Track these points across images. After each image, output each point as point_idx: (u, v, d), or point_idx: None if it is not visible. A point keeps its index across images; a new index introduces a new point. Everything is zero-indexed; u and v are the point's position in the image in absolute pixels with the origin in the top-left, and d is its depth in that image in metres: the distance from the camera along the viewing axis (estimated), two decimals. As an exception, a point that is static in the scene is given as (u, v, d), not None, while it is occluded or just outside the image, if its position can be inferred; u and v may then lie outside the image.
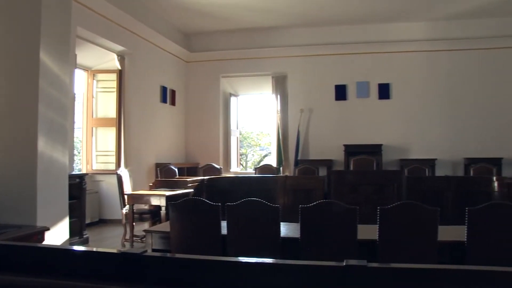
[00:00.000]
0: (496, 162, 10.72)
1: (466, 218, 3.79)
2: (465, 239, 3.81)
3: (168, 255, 2.56)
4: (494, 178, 7.97)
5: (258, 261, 2.09)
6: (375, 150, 11.51)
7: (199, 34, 12.84)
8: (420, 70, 12.09)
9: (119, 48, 9.95)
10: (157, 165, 10.65)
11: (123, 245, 7.41)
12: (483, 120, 11.77)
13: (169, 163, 10.40)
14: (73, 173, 7.96)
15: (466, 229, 3.80)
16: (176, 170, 9.95)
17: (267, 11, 11.04)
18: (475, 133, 11.73)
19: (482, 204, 3.85)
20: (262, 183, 8.71)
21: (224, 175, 10.75)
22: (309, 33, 12.36)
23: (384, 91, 12.15)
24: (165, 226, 4.63)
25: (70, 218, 5.06)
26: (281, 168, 12.09)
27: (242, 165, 17.25)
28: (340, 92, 12.31)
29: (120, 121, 10.11)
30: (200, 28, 12.37)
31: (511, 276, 1.96)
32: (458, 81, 11.94)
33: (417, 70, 12.10)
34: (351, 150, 11.51)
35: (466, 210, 3.82)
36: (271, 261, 2.13)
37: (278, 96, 12.77)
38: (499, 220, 3.78)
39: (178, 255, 2.35)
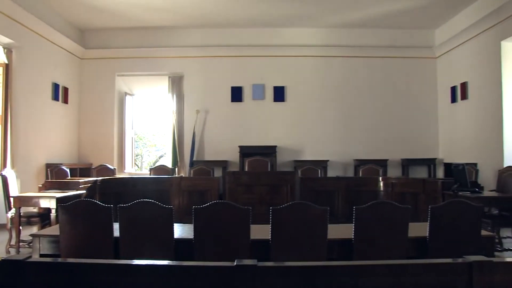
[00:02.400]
0: (382, 163, 11.39)
1: (354, 216, 3.99)
2: (352, 236, 4.00)
3: (59, 260, 2.47)
4: (380, 178, 8.46)
5: (151, 263, 2.09)
6: (269, 151, 11.77)
7: (95, 31, 12.44)
8: (314, 74, 12.55)
9: (6, 40, 9.37)
10: (48, 166, 10.18)
11: (8, 252, 7.00)
12: (372, 124, 12.51)
13: (61, 164, 9.99)
14: (-49, 174, 7.42)
15: (353, 226, 4.00)
16: (68, 171, 9.57)
17: (164, 11, 10.93)
18: (364, 136, 12.44)
19: (369, 202, 4.08)
20: (157, 184, 8.64)
21: (118, 176, 10.51)
22: (206, 34, 12.39)
23: (279, 94, 12.46)
24: (54, 230, 4.44)
25: None
26: (176, 169, 12.02)
27: (138, 166, 16.95)
28: (236, 94, 12.46)
29: (6, 119, 9.55)
30: (96, 24, 11.99)
31: (393, 268, 2.11)
32: (350, 87, 12.58)
33: (311, 75, 12.55)
34: (246, 151, 11.67)
35: (354, 209, 4.02)
36: (163, 263, 2.13)
37: (174, 96, 12.67)
38: (383, 217, 4.03)
39: (67, 260, 2.29)
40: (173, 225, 4.02)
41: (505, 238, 7.20)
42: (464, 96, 11.27)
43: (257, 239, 3.98)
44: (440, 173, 12.32)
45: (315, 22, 12.01)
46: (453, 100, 11.82)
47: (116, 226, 4.08)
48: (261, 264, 1.99)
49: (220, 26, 12.17)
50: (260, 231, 4.08)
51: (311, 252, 3.92)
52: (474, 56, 10.83)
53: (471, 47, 10.99)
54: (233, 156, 12.08)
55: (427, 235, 4.11)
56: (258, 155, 10.31)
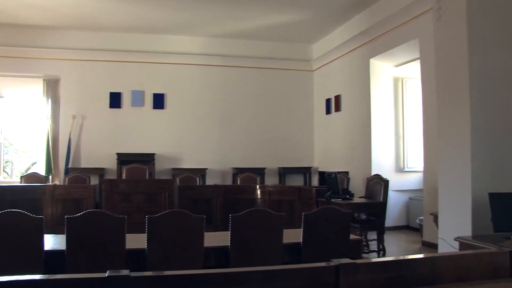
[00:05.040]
0: (260, 172, 11.67)
1: (230, 224, 4.05)
2: (229, 244, 4.05)
3: None
4: (258, 186, 8.66)
5: (16, 279, 1.99)
6: (148, 159, 11.65)
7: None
8: (194, 82, 12.60)
9: None
10: None
11: None
12: (250, 133, 12.80)
13: None
14: None
15: (229, 234, 4.06)
16: None
17: (41, 8, 10.27)
18: (242, 144, 12.68)
19: (247, 209, 4.17)
20: (28, 192, 8.21)
21: (-16, 184, 9.81)
22: (85, 37, 11.94)
23: (158, 101, 12.35)
24: None
25: None
26: (50, 177, 11.44)
27: (7, 173, 15.92)
28: (115, 100, 12.16)
29: None
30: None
31: (266, 274, 2.17)
32: (230, 96, 12.78)
33: (192, 83, 12.58)
34: (124, 159, 11.44)
35: (230, 217, 4.08)
36: (31, 278, 2.04)
37: (49, 100, 12.09)
38: (258, 224, 4.13)
39: None
40: (43, 237, 3.83)
41: (371, 240, 7.68)
42: (337, 108, 11.89)
43: (133, 249, 3.91)
44: (315, 181, 12.87)
45: (197, 31, 12.06)
46: (328, 111, 12.44)
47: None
48: (134, 274, 1.96)
49: (100, 29, 11.80)
50: (137, 240, 4.01)
51: (187, 260, 3.92)
52: (347, 71, 11.50)
53: (344, 63, 11.66)
54: (110, 163, 11.76)
55: (301, 240, 4.27)
56: (136, 163, 10.13)
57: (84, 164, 11.87)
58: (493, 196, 4.51)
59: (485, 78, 5.08)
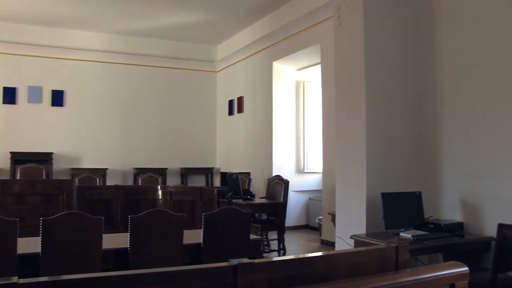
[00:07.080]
0: (162, 172, 11.61)
1: (129, 226, 3.99)
2: (128, 246, 3.99)
3: None
4: (159, 187, 8.58)
5: None
6: (45, 158, 11.21)
7: None
8: (95, 80, 12.24)
9: None
10: None
11: None
12: (153, 132, 12.68)
13: None
14: None
15: (129, 235, 3.99)
16: None
17: None
18: (144, 144, 12.54)
19: (147, 210, 4.13)
20: None
21: None
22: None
23: (57, 98, 11.87)
24: None
25: None
26: None
27: None
28: (9, 95, 11.51)
29: None
30: None
31: (164, 276, 2.17)
32: (132, 95, 12.57)
33: (92, 80, 12.22)
34: (18, 158, 10.91)
35: (129, 218, 4.02)
36: None
37: None
38: (158, 225, 4.10)
39: None
40: None
41: (272, 240, 7.84)
42: (240, 110, 12.04)
43: (26, 253, 3.72)
44: (217, 181, 12.94)
45: (99, 27, 11.74)
46: (231, 113, 12.56)
47: None
48: (23, 280, 1.88)
49: (-7, 19, 11.13)
50: (32, 244, 3.83)
51: (85, 263, 3.80)
52: (250, 73, 11.67)
53: (247, 65, 11.83)
54: (3, 163, 11.12)
55: (201, 241, 4.29)
56: (32, 162, 9.73)
57: (-28, 164, 11.17)
58: (385, 196, 4.78)
59: (380, 83, 5.34)
